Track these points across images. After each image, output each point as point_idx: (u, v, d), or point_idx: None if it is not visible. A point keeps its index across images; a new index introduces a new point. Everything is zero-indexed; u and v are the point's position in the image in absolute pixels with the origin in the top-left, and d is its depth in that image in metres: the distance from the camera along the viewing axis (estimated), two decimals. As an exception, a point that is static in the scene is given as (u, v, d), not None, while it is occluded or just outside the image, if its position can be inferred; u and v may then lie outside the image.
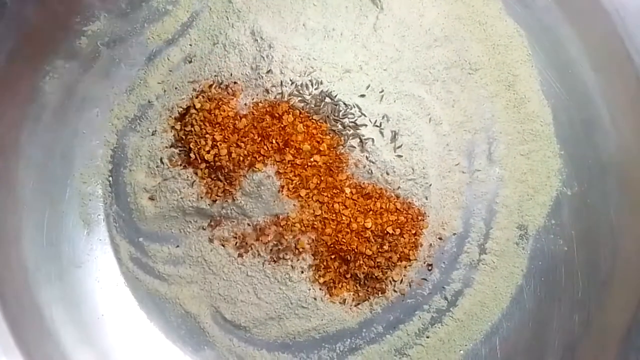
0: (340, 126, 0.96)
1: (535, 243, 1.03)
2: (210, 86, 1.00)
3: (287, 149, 0.95)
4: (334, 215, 0.97)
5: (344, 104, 0.96)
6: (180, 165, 1.02)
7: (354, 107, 0.96)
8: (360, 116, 0.96)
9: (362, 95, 0.97)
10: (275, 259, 1.00)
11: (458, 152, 1.03)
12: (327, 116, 0.95)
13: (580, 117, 1.04)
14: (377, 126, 0.97)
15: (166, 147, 1.03)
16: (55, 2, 1.01)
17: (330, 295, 1.01)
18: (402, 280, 1.02)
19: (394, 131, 0.97)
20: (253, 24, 1.00)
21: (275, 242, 0.99)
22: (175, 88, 1.05)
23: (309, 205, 0.97)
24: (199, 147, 0.98)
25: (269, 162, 0.95)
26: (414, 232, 1.00)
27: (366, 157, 0.96)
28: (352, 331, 1.03)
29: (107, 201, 1.06)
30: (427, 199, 1.00)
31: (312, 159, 0.95)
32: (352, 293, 1.02)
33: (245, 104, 0.97)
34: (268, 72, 0.96)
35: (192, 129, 0.99)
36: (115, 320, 1.04)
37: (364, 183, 0.97)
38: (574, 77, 1.04)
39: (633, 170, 0.99)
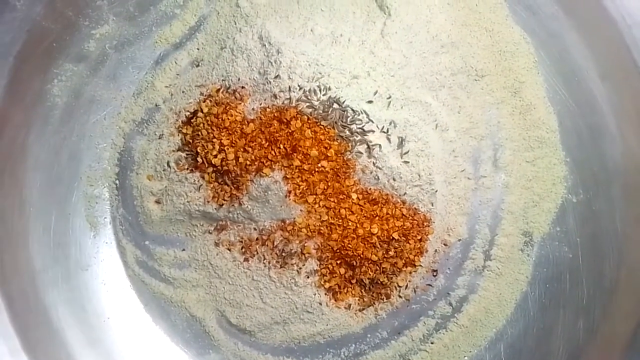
0: (347, 132, 0.96)
1: (540, 250, 1.03)
2: (218, 90, 1.00)
3: (295, 154, 0.95)
4: (340, 220, 0.97)
5: (352, 109, 0.96)
6: (187, 169, 1.02)
7: (362, 113, 0.96)
8: (367, 122, 0.96)
9: (370, 102, 0.98)
10: (281, 263, 1.00)
11: (464, 159, 1.03)
12: (335, 122, 0.96)
13: (586, 124, 1.04)
14: (384, 132, 0.97)
15: (173, 150, 1.03)
16: (64, 5, 1.01)
17: (335, 301, 1.01)
18: (407, 285, 1.02)
19: (400, 137, 0.97)
20: (261, 29, 1.00)
21: (281, 247, 0.99)
22: (183, 92, 1.05)
23: (315, 210, 0.97)
24: (206, 151, 0.98)
25: (276, 167, 0.96)
26: (419, 238, 1.00)
27: (373, 163, 0.96)
28: (357, 336, 1.03)
29: (114, 204, 1.07)
30: (432, 205, 1.00)
31: (319, 165, 0.95)
32: (357, 298, 1.02)
33: (253, 109, 0.97)
34: (276, 77, 0.96)
35: (200, 133, 0.99)
36: (120, 323, 1.04)
37: (370, 189, 0.97)
38: (580, 84, 1.04)
39: (638, 177, 0.99)
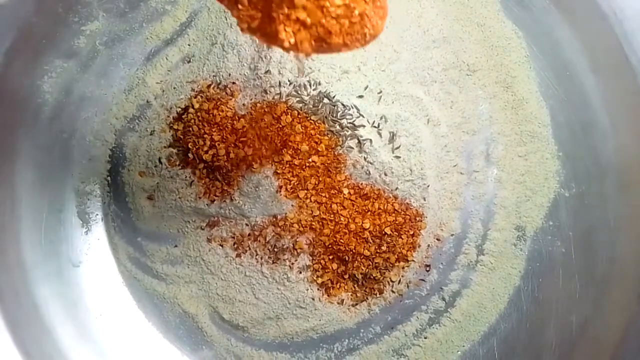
0: (338, 127, 0.96)
1: (532, 244, 1.03)
2: (209, 86, 1.00)
3: (285, 149, 0.95)
4: (332, 215, 0.97)
5: (342, 104, 0.96)
6: (179, 165, 1.02)
7: (352, 107, 0.96)
8: (358, 117, 0.96)
9: (360, 96, 0.97)
10: (273, 259, 1.00)
11: (456, 153, 1.03)
12: (325, 117, 0.95)
13: (578, 118, 1.03)
14: (375, 127, 0.97)
15: (164, 147, 1.03)
16: (54, 1, 1.00)
17: (328, 296, 1.01)
18: (400, 281, 1.02)
19: (392, 132, 0.97)
20: (252, 24, 1.00)
21: (273, 243, 0.99)
22: (174, 88, 1.05)
23: (307, 205, 0.97)
24: (197, 147, 0.98)
25: (267, 162, 0.96)
26: (412, 233, 1.00)
27: (364, 157, 0.96)
28: (350, 331, 1.03)
29: (106, 201, 1.07)
30: (425, 199, 1.00)
31: (310, 160, 0.95)
32: (350, 293, 1.02)
33: (244, 105, 0.97)
34: (266, 72, 0.96)
35: (191, 129, 0.99)
36: (113, 320, 1.04)
37: (362, 184, 0.97)
38: (572, 78, 1.04)
39: (631, 171, 0.99)
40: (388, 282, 1.02)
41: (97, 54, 1.06)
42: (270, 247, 0.99)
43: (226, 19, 1.04)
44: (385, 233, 0.98)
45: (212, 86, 1.00)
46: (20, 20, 0.97)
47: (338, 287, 1.01)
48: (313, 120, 0.95)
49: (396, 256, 1.00)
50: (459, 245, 1.04)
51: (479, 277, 1.03)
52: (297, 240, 0.98)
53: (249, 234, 1.00)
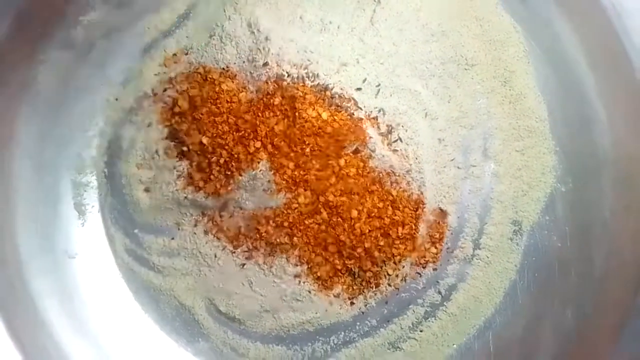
0: (336, 119, 0.96)
1: (529, 239, 1.04)
2: (207, 78, 1.00)
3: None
4: (329, 209, 0.97)
5: (340, 97, 0.95)
6: (176, 157, 1.01)
7: (350, 100, 0.96)
8: (356, 109, 0.96)
9: (359, 89, 0.97)
10: (270, 252, 1.00)
11: (453, 148, 1.03)
12: (323, 109, 0.95)
13: (575, 113, 1.04)
14: (373, 120, 0.97)
15: (161, 139, 1.03)
16: (51, -9, 1.00)
17: (324, 289, 1.01)
18: (396, 274, 1.02)
19: (390, 125, 0.97)
20: (250, 16, 1.00)
21: (270, 235, 0.99)
22: (171, 80, 1.04)
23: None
24: (194, 139, 0.97)
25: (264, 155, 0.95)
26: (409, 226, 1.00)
27: (362, 150, 0.96)
28: (346, 324, 1.03)
29: (102, 192, 1.06)
30: (422, 193, 1.00)
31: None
32: (346, 287, 1.02)
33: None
34: (264, 64, 0.96)
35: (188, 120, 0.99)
36: (109, 312, 1.03)
37: (359, 177, 0.97)
38: (570, 73, 1.04)
39: (628, 167, 0.99)
40: (385, 275, 1.02)
41: (94, 44, 1.05)
42: (266, 240, 0.99)
43: (224, 11, 1.04)
44: (382, 226, 0.98)
45: (210, 78, 0.99)
46: (16, 10, 0.96)
47: (335, 280, 1.01)
48: (311, 113, 0.95)
49: (393, 250, 1.00)
50: (456, 239, 1.04)
51: (475, 271, 1.04)
52: (294, 233, 0.98)
53: (246, 227, 1.00)
